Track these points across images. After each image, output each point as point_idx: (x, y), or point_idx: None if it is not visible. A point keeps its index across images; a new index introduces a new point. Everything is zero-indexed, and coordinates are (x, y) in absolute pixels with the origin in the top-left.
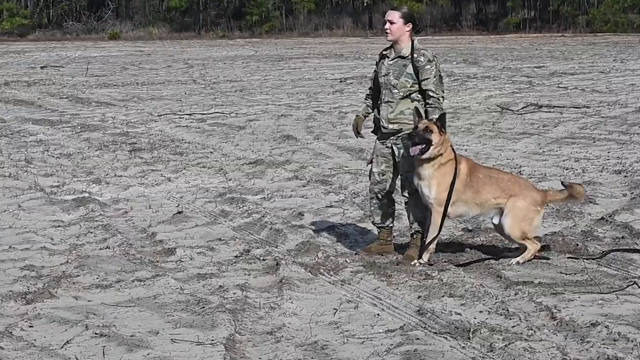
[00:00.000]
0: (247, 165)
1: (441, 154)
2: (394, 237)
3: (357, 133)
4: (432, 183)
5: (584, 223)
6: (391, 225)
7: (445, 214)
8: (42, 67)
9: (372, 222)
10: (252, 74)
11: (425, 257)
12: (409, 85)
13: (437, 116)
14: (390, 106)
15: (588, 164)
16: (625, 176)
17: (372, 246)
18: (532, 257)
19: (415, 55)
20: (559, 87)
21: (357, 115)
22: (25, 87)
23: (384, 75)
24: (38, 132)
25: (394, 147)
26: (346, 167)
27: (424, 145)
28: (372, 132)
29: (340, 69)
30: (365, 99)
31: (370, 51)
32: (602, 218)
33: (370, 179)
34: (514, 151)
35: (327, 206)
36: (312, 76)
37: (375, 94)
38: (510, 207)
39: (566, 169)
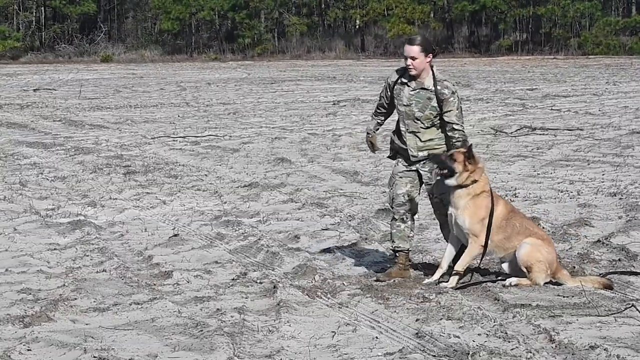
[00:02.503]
0: (242, 188)
1: (469, 184)
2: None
3: (374, 149)
4: (466, 214)
5: (580, 246)
6: (410, 248)
7: (486, 247)
8: (34, 90)
9: (393, 246)
10: (245, 97)
11: (453, 282)
12: (432, 117)
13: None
14: (416, 136)
15: (583, 187)
16: (620, 198)
17: (393, 271)
18: (526, 285)
19: (438, 88)
20: (552, 109)
21: (368, 133)
22: (18, 110)
23: (405, 105)
24: (32, 155)
25: (421, 170)
26: (341, 189)
27: (446, 171)
28: (388, 157)
29: (333, 92)
30: (375, 116)
31: (362, 73)
32: (599, 240)
33: (393, 202)
34: (509, 174)
35: (322, 229)
36: (305, 99)
37: (386, 112)
38: (536, 243)
39: (561, 192)
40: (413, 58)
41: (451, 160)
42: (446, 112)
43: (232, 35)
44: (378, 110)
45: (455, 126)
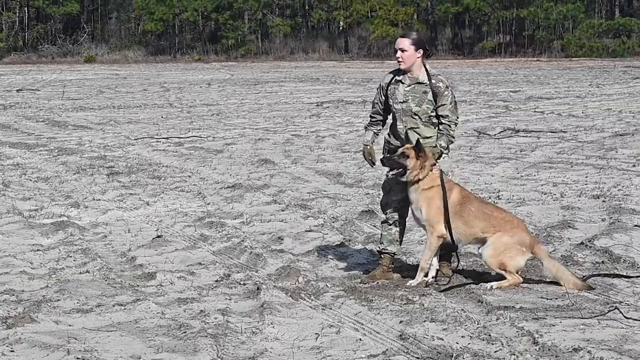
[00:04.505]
0: (225, 189)
1: (420, 179)
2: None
3: (373, 163)
4: (421, 205)
5: (563, 248)
6: (395, 252)
7: (452, 236)
8: (18, 90)
9: (381, 248)
10: (228, 98)
11: (419, 277)
12: (429, 112)
13: (443, 142)
14: (415, 132)
15: (566, 189)
16: (604, 201)
17: (377, 273)
18: (510, 287)
19: (433, 81)
20: (535, 111)
21: (366, 145)
22: (1, 110)
23: (401, 102)
24: (15, 156)
25: None
26: (324, 191)
27: (399, 170)
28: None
29: (317, 93)
30: (370, 126)
31: (346, 75)
32: (582, 243)
33: (387, 207)
34: (492, 176)
35: (306, 230)
36: (289, 100)
37: (382, 120)
38: (494, 240)
39: (544, 194)
40: (402, 50)
41: (403, 158)
42: (440, 105)
43: (216, 36)
44: (373, 119)
45: (443, 119)
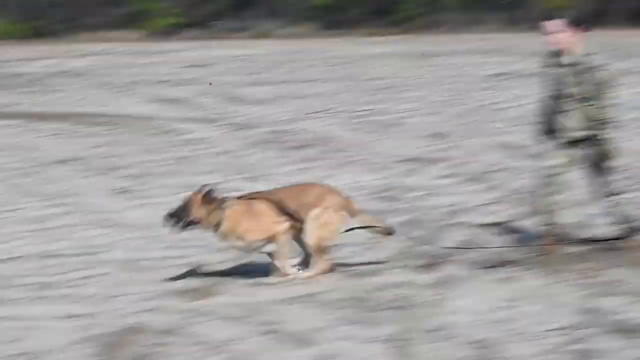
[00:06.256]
0: (401, 163)
1: (221, 219)
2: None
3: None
4: (238, 235)
5: None
6: (561, 223)
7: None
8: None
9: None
10: (400, 71)
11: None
12: (589, 92)
13: None
14: (575, 114)
15: None
16: None
17: (552, 246)
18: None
19: (587, 59)
20: None
21: (541, 124)
22: (175, 87)
23: (561, 83)
24: (194, 131)
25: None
26: (502, 164)
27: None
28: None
29: (491, 65)
30: (546, 104)
31: (519, 47)
32: None
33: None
34: None
35: (484, 204)
36: (462, 72)
37: (552, 97)
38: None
39: None
40: (558, 32)
41: (185, 211)
42: (593, 84)
43: (388, 9)
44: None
45: (594, 102)
